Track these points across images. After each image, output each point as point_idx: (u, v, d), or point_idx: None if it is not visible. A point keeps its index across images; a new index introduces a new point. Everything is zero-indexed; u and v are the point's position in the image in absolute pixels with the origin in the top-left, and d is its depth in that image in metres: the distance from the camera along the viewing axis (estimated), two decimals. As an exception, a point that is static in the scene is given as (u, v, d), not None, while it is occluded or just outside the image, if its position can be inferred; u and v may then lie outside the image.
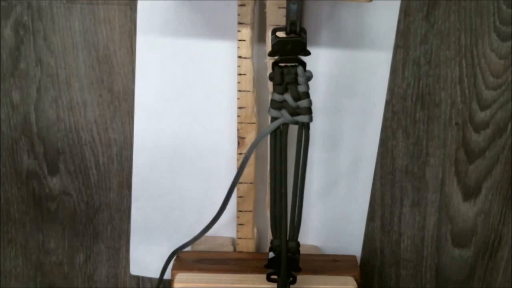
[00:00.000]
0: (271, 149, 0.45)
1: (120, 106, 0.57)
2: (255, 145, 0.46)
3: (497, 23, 0.54)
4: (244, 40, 0.49)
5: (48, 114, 0.58)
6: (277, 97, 0.43)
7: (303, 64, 0.43)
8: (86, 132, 0.58)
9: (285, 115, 0.43)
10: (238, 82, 0.51)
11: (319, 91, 0.54)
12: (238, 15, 0.49)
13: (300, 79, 0.42)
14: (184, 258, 0.55)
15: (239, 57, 0.50)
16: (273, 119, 0.44)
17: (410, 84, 0.56)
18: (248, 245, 0.56)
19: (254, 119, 0.52)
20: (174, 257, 0.55)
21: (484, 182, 0.60)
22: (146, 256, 0.61)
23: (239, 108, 0.51)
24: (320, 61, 0.53)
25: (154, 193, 0.58)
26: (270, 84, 0.48)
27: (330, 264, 0.55)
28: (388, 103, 0.57)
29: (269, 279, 0.48)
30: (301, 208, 0.45)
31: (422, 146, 0.59)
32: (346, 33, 0.53)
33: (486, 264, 0.63)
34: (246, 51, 0.50)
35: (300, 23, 0.42)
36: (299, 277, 0.48)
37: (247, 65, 0.50)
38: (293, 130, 0.44)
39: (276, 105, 0.44)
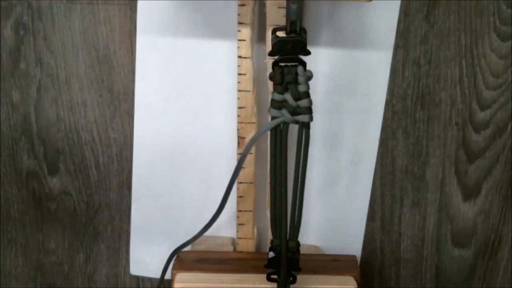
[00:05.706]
0: (271, 148, 0.45)
1: (120, 106, 0.57)
2: (252, 142, 0.46)
3: (497, 23, 0.54)
4: (244, 40, 0.49)
5: (48, 114, 0.58)
6: (278, 96, 0.43)
7: (303, 64, 0.43)
8: (86, 132, 0.58)
9: (285, 115, 0.43)
10: (238, 82, 0.51)
11: (319, 91, 0.54)
12: (238, 15, 0.49)
13: (300, 78, 0.42)
14: (184, 258, 0.55)
15: (239, 57, 0.50)
16: (273, 118, 0.44)
17: (410, 84, 0.56)
18: (248, 245, 0.56)
19: (254, 119, 0.52)
20: (174, 257, 0.55)
21: (484, 182, 0.60)
22: (146, 256, 0.61)
23: (239, 108, 0.51)
24: (320, 61, 0.53)
25: (154, 193, 0.58)
26: (270, 84, 0.48)
27: (330, 264, 0.55)
28: (388, 103, 0.57)
29: (269, 279, 0.48)
30: (301, 208, 0.45)
31: (422, 146, 0.59)
32: (346, 33, 0.53)
33: (486, 264, 0.63)
34: (246, 51, 0.50)
35: (300, 22, 0.42)
36: (299, 277, 0.48)
37: (247, 65, 0.50)
38: (293, 129, 0.44)
39: (277, 104, 0.44)
